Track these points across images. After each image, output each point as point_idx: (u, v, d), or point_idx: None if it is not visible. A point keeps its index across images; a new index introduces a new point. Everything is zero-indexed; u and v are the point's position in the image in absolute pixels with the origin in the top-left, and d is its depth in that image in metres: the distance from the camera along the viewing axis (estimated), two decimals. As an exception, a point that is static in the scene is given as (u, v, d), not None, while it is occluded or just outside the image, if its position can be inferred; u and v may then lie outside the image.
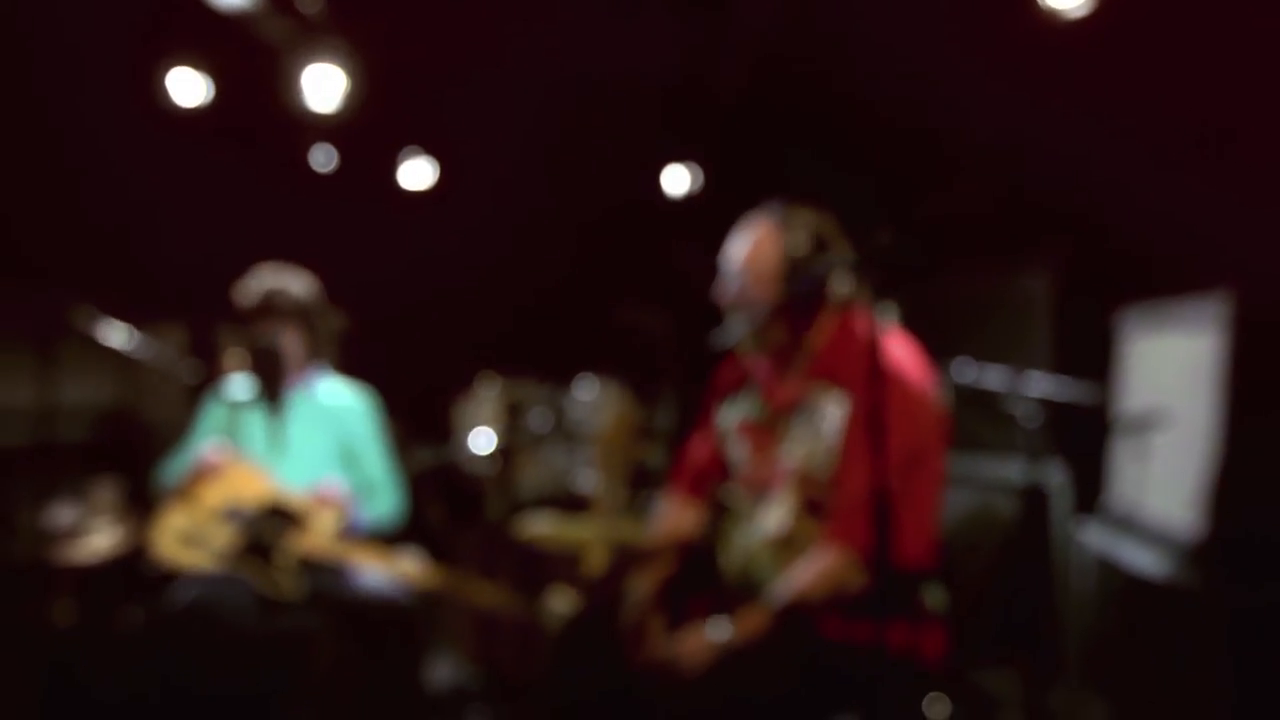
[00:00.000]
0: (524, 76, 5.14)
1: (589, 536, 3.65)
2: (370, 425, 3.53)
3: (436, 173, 5.61)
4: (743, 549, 2.52)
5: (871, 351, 2.43)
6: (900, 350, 2.49)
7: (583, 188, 5.57)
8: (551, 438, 4.78)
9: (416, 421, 5.06)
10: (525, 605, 3.14)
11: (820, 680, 2.31)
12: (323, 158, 5.52)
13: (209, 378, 3.49)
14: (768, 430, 2.56)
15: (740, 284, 2.51)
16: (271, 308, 3.31)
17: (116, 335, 3.23)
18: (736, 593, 2.50)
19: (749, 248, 2.52)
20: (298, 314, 3.36)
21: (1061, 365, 3.13)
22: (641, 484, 4.55)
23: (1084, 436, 3.07)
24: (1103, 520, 3.03)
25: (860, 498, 2.34)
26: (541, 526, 3.95)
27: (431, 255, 5.40)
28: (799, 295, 2.47)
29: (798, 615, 2.32)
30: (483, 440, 4.89)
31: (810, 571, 2.35)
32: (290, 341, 3.35)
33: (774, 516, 2.47)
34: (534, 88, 5.19)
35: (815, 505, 2.43)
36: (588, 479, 4.77)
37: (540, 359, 5.09)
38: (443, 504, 4.86)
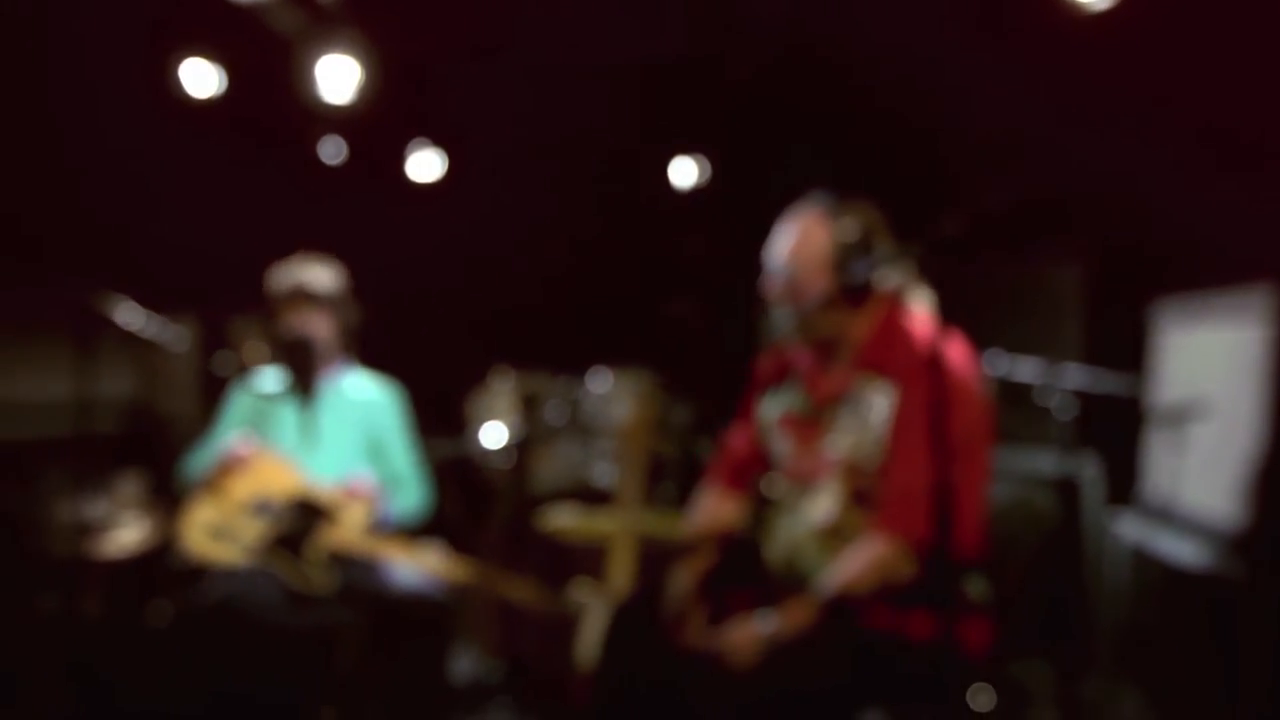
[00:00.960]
0: (535, 66, 5.12)
1: (613, 529, 3.64)
2: (397, 419, 3.51)
3: (445, 164, 5.59)
4: (788, 540, 2.51)
5: (930, 342, 2.43)
6: (948, 341, 2.48)
7: (595, 179, 5.55)
8: (566, 431, 4.76)
9: (430, 415, 5.04)
10: (555, 599, 3.12)
11: (869, 671, 2.30)
12: (332, 150, 5.50)
13: (232, 370, 3.47)
14: (812, 422, 2.55)
15: (788, 275, 2.50)
16: (304, 298, 3.28)
17: (150, 326, 3.19)
18: (782, 584, 2.49)
19: (797, 238, 2.50)
20: (329, 305, 3.33)
21: (1093, 357, 3.13)
22: (658, 477, 4.55)
23: (1117, 428, 3.07)
24: (1138, 512, 3.03)
25: (910, 488, 2.34)
26: (564, 519, 3.93)
27: (444, 247, 5.37)
28: (848, 286, 2.47)
29: (846, 606, 2.32)
30: (494, 434, 4.87)
31: (859, 561, 2.34)
32: (322, 333, 3.33)
33: (820, 507, 2.46)
34: (545, 77, 5.17)
35: (863, 496, 2.42)
36: (603, 472, 4.76)
37: (554, 352, 5.06)
38: (459, 498, 4.83)
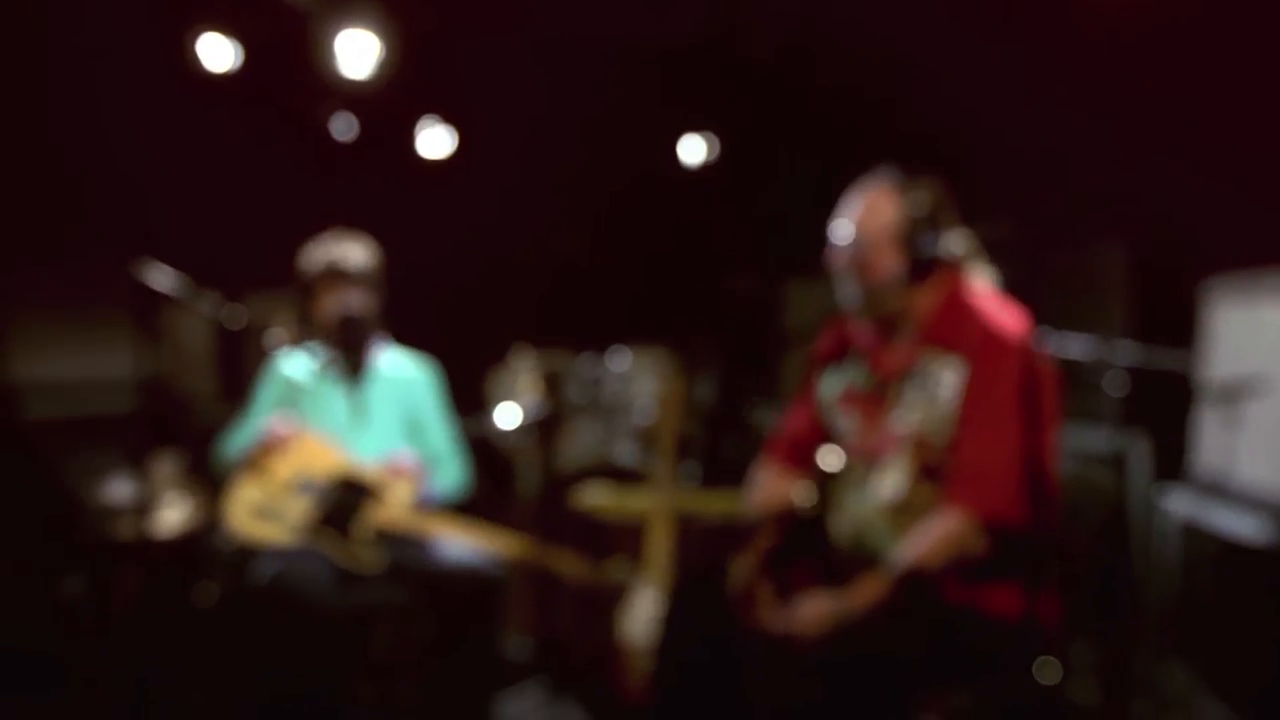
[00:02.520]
0: (554, 43, 5.08)
1: (650, 507, 3.62)
2: (436, 396, 3.48)
3: (455, 141, 5.55)
4: (855, 516, 2.50)
5: (999, 317, 2.44)
6: (1014, 316, 2.48)
7: (613, 157, 5.52)
8: (588, 410, 4.74)
9: (450, 393, 5.00)
10: (604, 575, 3.10)
11: (944, 646, 2.30)
12: (343, 125, 5.44)
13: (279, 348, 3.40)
14: (876, 397, 2.54)
15: (855, 247, 2.48)
16: (348, 275, 3.24)
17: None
18: (848, 560, 2.49)
19: (865, 210, 2.49)
20: (371, 282, 3.29)
21: (1141, 334, 3.14)
22: (681, 455, 4.52)
23: (1167, 405, 3.08)
24: (1188, 488, 3.04)
25: (983, 463, 2.33)
26: (598, 497, 3.92)
27: (464, 226, 5.33)
28: (915, 260, 2.46)
29: (919, 581, 2.31)
30: (511, 413, 4.84)
31: (932, 536, 2.33)
32: (367, 311, 3.28)
33: (888, 483, 2.46)
34: (565, 54, 5.13)
35: (931, 471, 2.41)
36: (625, 451, 4.74)
37: (574, 330, 5.04)
38: (480, 477, 4.81)
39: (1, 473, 2.95)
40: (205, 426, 4.37)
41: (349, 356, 3.25)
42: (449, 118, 5.44)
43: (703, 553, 3.66)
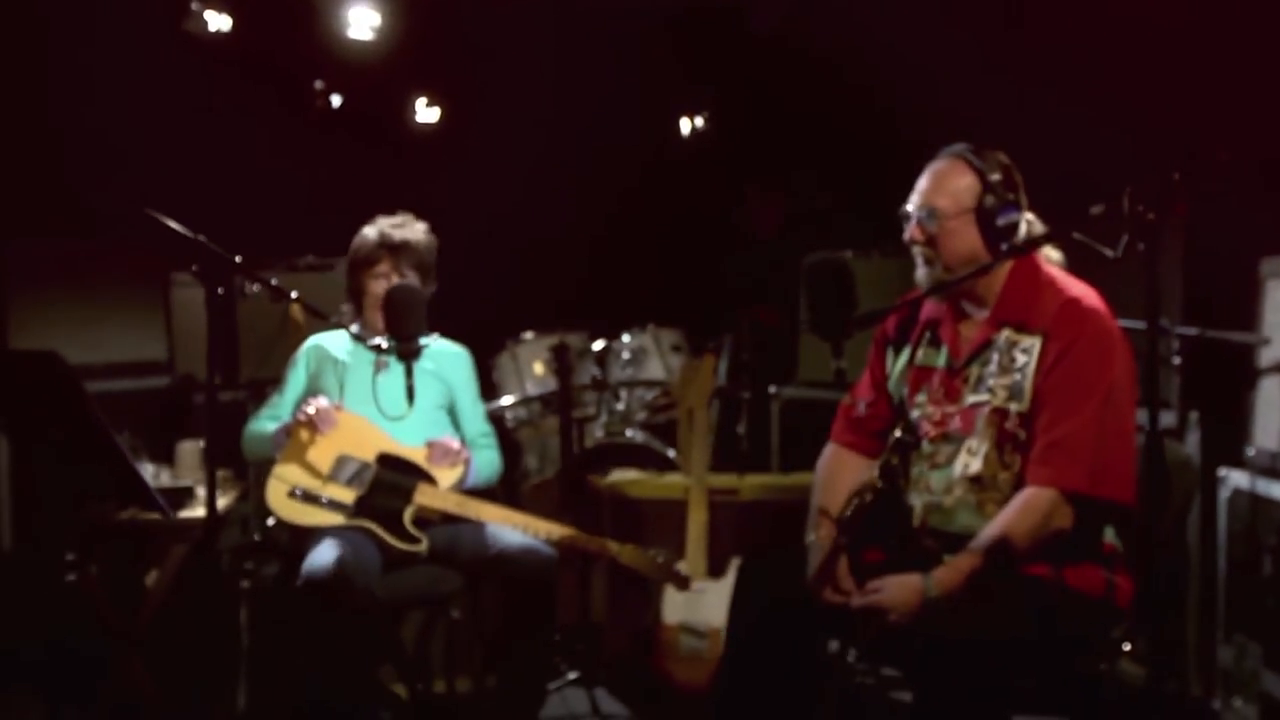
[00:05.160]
0: (568, 21, 5.03)
1: (685, 487, 3.58)
2: (472, 380, 3.42)
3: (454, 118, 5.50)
4: (932, 493, 2.48)
5: (1077, 293, 2.43)
6: (1090, 291, 2.46)
7: (621, 136, 5.47)
8: (600, 390, 4.68)
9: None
10: (657, 561, 3.05)
11: (1035, 624, 2.29)
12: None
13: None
14: (952, 374, 2.52)
15: (932, 221, 2.45)
16: (405, 254, 3.16)
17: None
18: (928, 537, 2.47)
19: (942, 184, 2.46)
20: (421, 264, 3.23)
21: (1195, 312, 3.15)
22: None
23: (1224, 382, 3.09)
24: (1247, 465, 3.06)
25: (1069, 439, 2.32)
26: (630, 478, 3.88)
27: (472, 208, 5.24)
28: (995, 233, 2.44)
29: (1008, 557, 2.30)
30: (521, 395, 4.78)
31: (1019, 512, 2.32)
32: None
33: (967, 459, 2.44)
34: (575, 33, 5.08)
35: (1011, 447, 2.40)
36: (636, 432, 4.70)
37: (584, 311, 4.98)
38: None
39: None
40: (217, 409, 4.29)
41: (407, 337, 3.16)
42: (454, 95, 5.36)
43: (736, 535, 3.63)
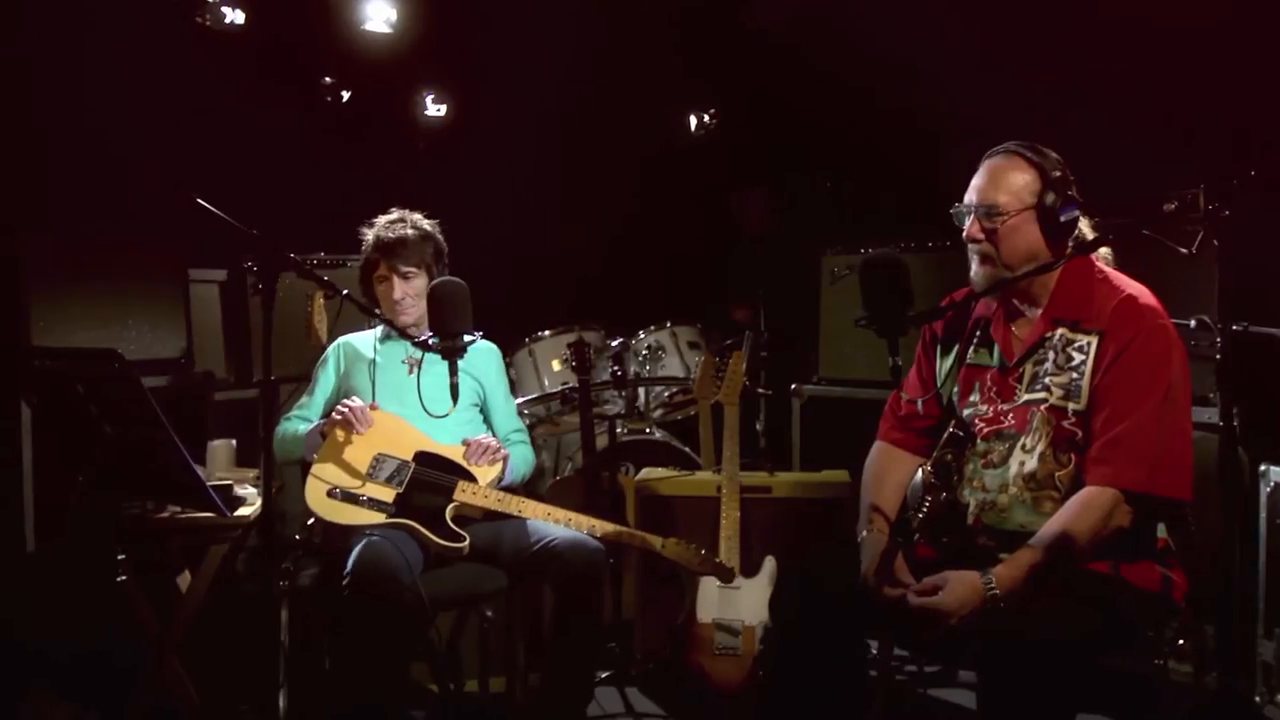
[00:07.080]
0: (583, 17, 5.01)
1: (715, 483, 3.57)
2: (503, 378, 3.40)
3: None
4: (988, 491, 2.48)
5: (1132, 292, 2.42)
6: (1144, 291, 2.46)
7: (631, 131, 5.45)
8: (619, 387, 4.66)
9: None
10: (700, 554, 3.04)
11: (1098, 618, 2.28)
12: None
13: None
14: (1005, 372, 2.52)
15: (994, 221, 2.44)
16: (404, 253, 3.16)
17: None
18: (982, 534, 2.47)
19: (1000, 180, 2.45)
20: (425, 259, 3.22)
21: (1233, 309, 3.15)
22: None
23: (1263, 379, 3.09)
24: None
25: (1127, 437, 2.32)
26: (660, 475, 3.86)
27: (486, 205, 5.21)
28: (1048, 230, 2.43)
29: (1069, 555, 2.29)
30: (540, 392, 4.75)
31: (1079, 510, 2.32)
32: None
33: (1021, 457, 2.44)
34: (590, 30, 5.06)
35: (1067, 445, 2.40)
36: (655, 429, 4.68)
37: (603, 308, 4.96)
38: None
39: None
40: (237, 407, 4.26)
41: (453, 336, 3.11)
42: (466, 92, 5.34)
43: (768, 532, 3.61)
